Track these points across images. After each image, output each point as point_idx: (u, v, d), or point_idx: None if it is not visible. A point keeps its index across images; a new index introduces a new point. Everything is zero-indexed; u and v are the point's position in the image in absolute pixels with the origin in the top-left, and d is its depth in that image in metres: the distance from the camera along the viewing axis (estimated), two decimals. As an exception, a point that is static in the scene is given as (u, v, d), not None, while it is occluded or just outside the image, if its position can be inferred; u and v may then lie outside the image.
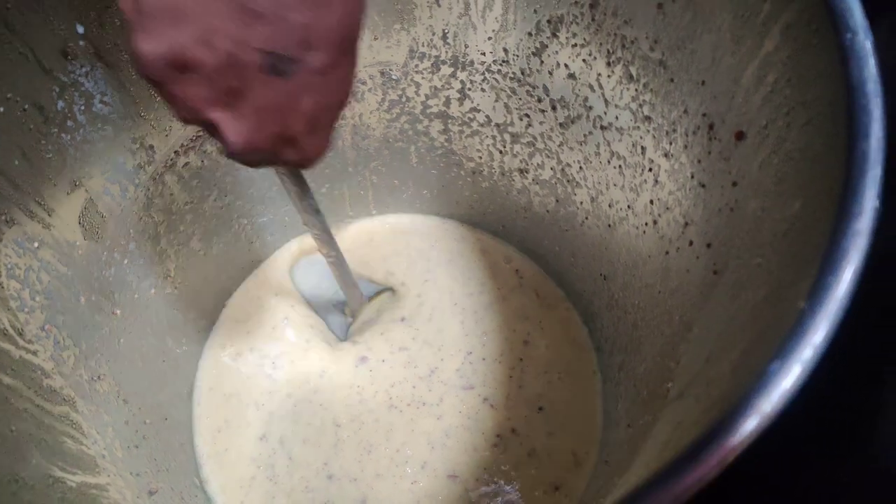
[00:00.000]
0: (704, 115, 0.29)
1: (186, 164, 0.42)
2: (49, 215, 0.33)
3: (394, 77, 0.45)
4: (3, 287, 0.30)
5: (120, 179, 0.37)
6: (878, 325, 0.34)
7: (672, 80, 0.31)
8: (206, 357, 0.50)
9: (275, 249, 0.55)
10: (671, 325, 0.35)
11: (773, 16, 0.24)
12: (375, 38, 0.42)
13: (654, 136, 0.34)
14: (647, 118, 0.34)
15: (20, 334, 0.31)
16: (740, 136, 0.27)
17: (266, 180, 0.49)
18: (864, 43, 0.19)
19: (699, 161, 0.31)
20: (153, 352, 0.43)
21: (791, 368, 0.17)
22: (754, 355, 0.19)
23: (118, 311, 0.39)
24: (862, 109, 0.19)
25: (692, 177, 0.31)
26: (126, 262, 0.40)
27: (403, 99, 0.47)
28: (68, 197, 0.34)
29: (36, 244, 0.33)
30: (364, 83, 0.45)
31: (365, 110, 0.47)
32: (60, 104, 0.32)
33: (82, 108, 0.34)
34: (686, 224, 0.33)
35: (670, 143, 0.33)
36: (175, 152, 0.41)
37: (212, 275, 0.49)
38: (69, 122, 0.33)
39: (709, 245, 0.30)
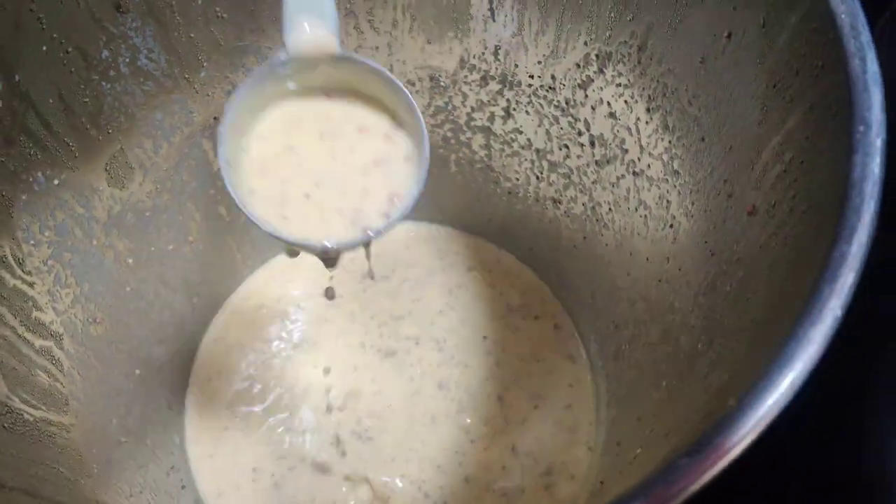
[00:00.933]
0: (726, 181, 0.28)
1: (224, 132, 0.43)
2: (76, 156, 0.35)
3: (442, 83, 0.45)
4: (12, 217, 0.31)
5: (154, 135, 0.39)
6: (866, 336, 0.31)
7: (703, 140, 0.30)
8: (223, 311, 0.51)
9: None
10: (659, 390, 0.33)
11: (801, 93, 0.22)
12: (429, 42, 0.42)
13: (679, 192, 0.33)
14: (676, 172, 0.33)
15: (20, 264, 0.32)
16: (752, 211, 0.25)
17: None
18: (875, 140, 0.18)
19: (714, 227, 0.29)
20: (160, 305, 0.45)
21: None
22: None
23: (131, 261, 0.41)
24: (853, 210, 0.17)
25: (706, 242, 0.30)
26: (148, 214, 0.41)
27: (449, 107, 0.46)
28: (98, 143, 0.36)
29: (56, 182, 0.34)
30: (413, 84, 0.45)
31: (410, 111, 0.47)
32: (105, 53, 0.33)
33: (127, 60, 0.35)
34: (696, 294, 0.31)
35: (692, 203, 0.31)
36: (214, 118, 0.42)
37: (234, 245, 0.50)
38: (111, 72, 0.34)
39: (704, 318, 0.29)
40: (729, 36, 0.27)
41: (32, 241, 0.33)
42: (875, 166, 0.18)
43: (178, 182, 0.42)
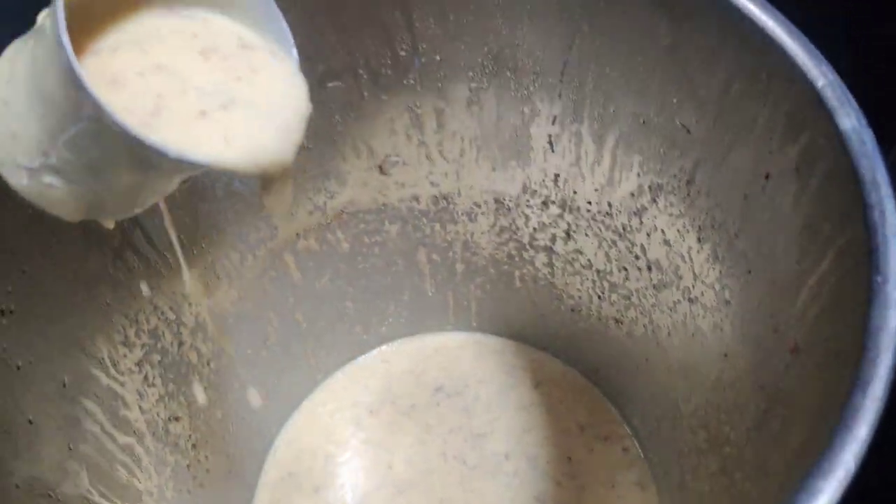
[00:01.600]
0: (772, 315, 0.28)
1: (306, 246, 0.47)
2: (172, 267, 0.39)
3: (506, 206, 0.47)
4: (112, 322, 0.35)
5: (241, 248, 0.43)
6: None
7: (750, 272, 0.30)
8: (298, 414, 0.53)
9: (382, 342, 0.58)
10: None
11: (831, 237, 0.23)
12: (494, 170, 0.45)
13: (731, 323, 0.33)
14: (728, 302, 0.33)
15: (114, 365, 0.36)
16: (795, 349, 0.25)
17: (382, 275, 0.52)
18: (892, 292, 0.18)
19: (762, 361, 0.29)
20: (236, 406, 0.47)
21: None
22: None
23: (212, 364, 0.44)
24: (869, 361, 0.17)
25: (756, 376, 0.30)
26: (230, 321, 0.44)
27: (513, 227, 0.49)
28: (192, 256, 0.40)
29: (154, 290, 0.38)
30: (479, 206, 0.48)
31: (477, 230, 0.50)
32: (205, 181, 0.38)
33: (223, 184, 0.40)
34: (748, 429, 0.31)
35: (743, 335, 0.31)
36: (297, 234, 0.46)
37: (310, 349, 0.53)
38: (209, 195, 0.39)
39: (756, 454, 0.28)
40: (767, 177, 0.28)
41: (127, 345, 0.36)
42: (892, 318, 0.18)
43: (260, 291, 0.46)
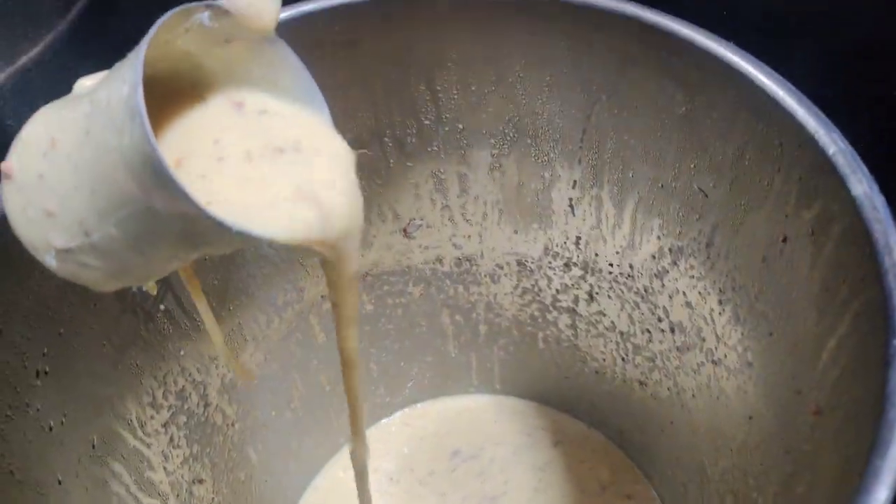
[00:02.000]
0: (794, 377, 0.28)
1: (330, 308, 0.48)
2: (201, 329, 0.40)
3: (529, 268, 0.48)
4: (142, 384, 0.36)
5: (268, 311, 0.44)
6: None
7: (771, 334, 0.30)
8: (320, 479, 0.53)
9: (405, 405, 0.58)
10: None
11: (848, 300, 0.23)
12: (516, 232, 0.46)
13: (755, 385, 0.33)
14: (750, 364, 0.33)
15: (142, 426, 0.36)
16: (818, 412, 0.25)
17: (405, 337, 0.53)
18: (906, 355, 0.18)
19: (786, 424, 0.29)
20: (259, 469, 0.48)
21: None
22: None
23: (237, 426, 0.44)
24: (887, 425, 0.17)
25: (781, 439, 0.29)
26: (255, 382, 0.45)
27: (536, 289, 0.49)
28: (221, 318, 0.41)
29: (182, 352, 0.39)
30: (501, 268, 0.49)
31: (500, 291, 0.51)
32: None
33: (252, 250, 0.41)
34: (775, 494, 0.30)
35: (766, 396, 0.31)
36: (321, 296, 0.47)
37: (333, 412, 0.53)
38: (239, 260, 0.40)
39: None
40: (785, 240, 0.28)
41: (155, 406, 0.37)
42: (907, 383, 0.18)
43: (286, 353, 0.46)
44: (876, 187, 0.22)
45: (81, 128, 0.21)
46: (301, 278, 0.45)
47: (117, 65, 0.21)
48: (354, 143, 0.41)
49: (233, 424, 0.44)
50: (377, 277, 0.48)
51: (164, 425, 0.38)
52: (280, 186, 0.23)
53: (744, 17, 0.34)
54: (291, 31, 0.34)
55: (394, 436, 0.56)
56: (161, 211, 0.20)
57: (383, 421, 0.57)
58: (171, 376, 0.38)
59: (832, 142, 0.24)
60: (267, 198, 0.23)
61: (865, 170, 0.23)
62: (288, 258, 0.43)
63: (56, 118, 0.22)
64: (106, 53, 0.24)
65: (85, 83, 0.23)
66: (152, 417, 0.37)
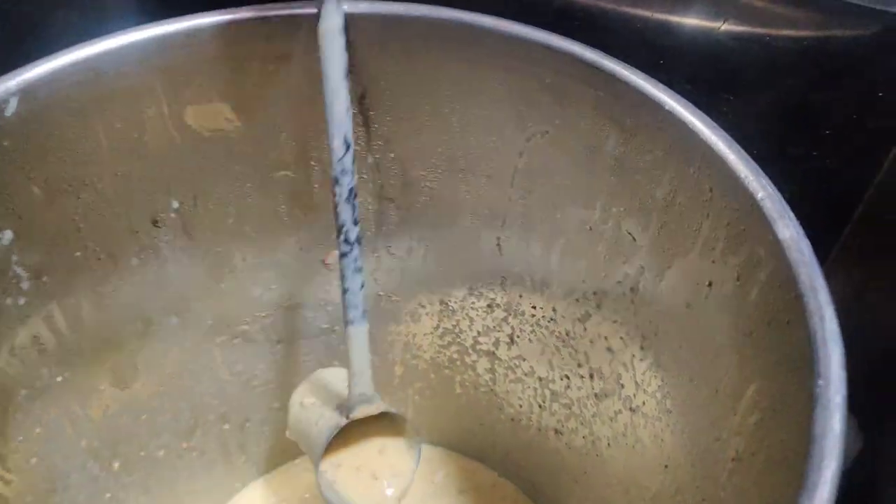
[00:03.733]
0: (713, 423, 0.28)
1: (236, 340, 0.45)
2: (85, 355, 0.36)
3: (451, 307, 0.47)
4: (7, 411, 0.32)
5: (166, 339, 0.40)
6: None
7: (692, 380, 0.30)
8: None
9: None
10: None
11: (772, 344, 0.23)
12: (440, 268, 0.45)
13: (672, 432, 0.32)
14: (669, 411, 0.33)
15: (2, 460, 0.32)
16: (735, 457, 0.25)
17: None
18: (834, 396, 0.18)
19: (703, 471, 0.28)
20: (143, 511, 0.43)
21: None
22: None
23: (116, 465, 0.40)
24: (814, 467, 0.17)
25: (697, 487, 0.29)
26: (144, 417, 0.41)
27: (456, 330, 0.48)
28: (110, 344, 0.37)
29: (59, 378, 0.35)
30: (423, 307, 0.47)
31: (419, 331, 0.49)
32: (135, 261, 0.36)
33: (154, 268, 0.38)
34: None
35: (684, 444, 0.31)
36: (227, 326, 0.43)
37: (233, 453, 0.49)
38: (137, 278, 0.37)
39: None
40: (710, 285, 0.28)
41: (21, 438, 0.33)
42: (835, 423, 0.18)
43: (182, 387, 0.43)
44: (802, 231, 0.23)
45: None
46: (208, 305, 0.42)
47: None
48: (277, 164, 0.39)
49: (111, 464, 0.40)
50: (291, 310, 0.46)
51: (30, 460, 0.34)
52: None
53: (678, 69, 0.35)
54: (218, 38, 0.33)
55: (299, 479, 0.52)
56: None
57: (285, 466, 0.53)
58: (44, 405, 0.34)
59: (761, 187, 0.24)
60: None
61: (792, 215, 0.24)
62: (194, 283, 0.40)
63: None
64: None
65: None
66: (16, 451, 0.33)
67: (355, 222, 0.34)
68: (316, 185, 0.40)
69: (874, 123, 0.31)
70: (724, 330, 0.27)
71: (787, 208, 0.24)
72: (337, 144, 0.32)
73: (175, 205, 0.36)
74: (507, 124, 0.36)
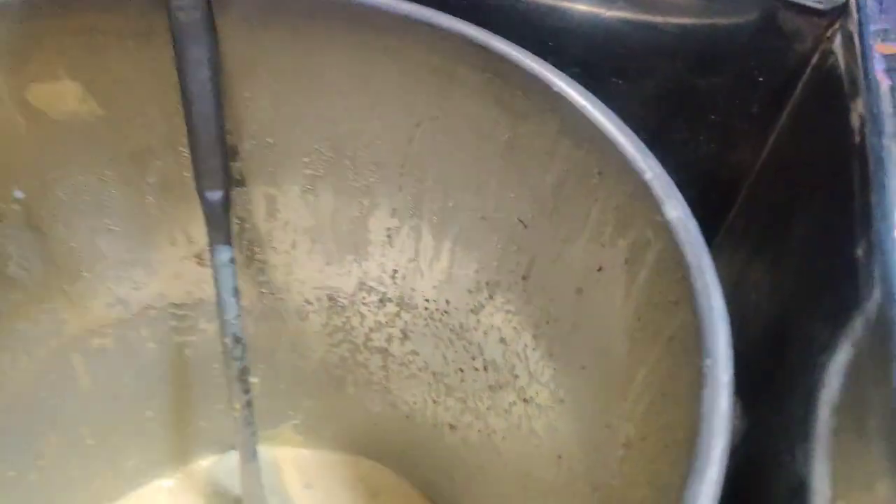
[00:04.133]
0: (603, 411, 0.27)
1: (101, 346, 0.40)
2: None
3: (340, 304, 0.44)
4: None
5: (14, 347, 0.36)
6: None
7: (584, 368, 0.30)
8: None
9: (188, 461, 0.51)
10: None
11: (661, 327, 0.23)
12: (328, 264, 0.43)
13: (565, 421, 0.32)
14: (562, 400, 0.32)
15: None
16: (627, 443, 0.24)
17: (194, 382, 0.46)
18: (721, 375, 0.18)
19: (595, 460, 0.28)
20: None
21: None
22: None
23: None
24: (703, 447, 0.16)
25: (588, 476, 0.28)
26: (-8, 434, 0.36)
27: (347, 327, 0.46)
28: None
29: None
30: (311, 304, 0.45)
31: (307, 330, 0.46)
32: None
33: (-1, 268, 0.33)
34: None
35: (576, 433, 0.30)
36: (89, 331, 0.39)
37: (96, 470, 0.45)
38: (-23, 280, 0.33)
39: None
40: (600, 269, 0.28)
41: None
42: (722, 401, 0.17)
43: (35, 400, 0.38)
44: (689, 212, 0.23)
45: None
46: (62, 308, 0.37)
47: None
48: (142, 151, 0.35)
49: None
50: (162, 311, 0.42)
51: None
52: None
53: (567, 53, 0.34)
54: (62, 8, 0.29)
55: (169, 498, 0.48)
56: None
57: (156, 482, 0.49)
58: None
59: (649, 167, 0.24)
60: None
61: (680, 196, 0.23)
62: (44, 283, 0.36)
63: None
64: None
65: None
66: None
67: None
68: (186, 174, 0.37)
69: (756, 108, 0.32)
70: (614, 314, 0.27)
71: (675, 189, 0.23)
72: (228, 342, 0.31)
73: (19, 195, 0.32)
74: (396, 109, 0.34)
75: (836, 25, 0.27)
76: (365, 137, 0.36)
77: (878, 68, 0.22)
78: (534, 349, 0.34)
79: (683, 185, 0.25)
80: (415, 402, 0.47)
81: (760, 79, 0.31)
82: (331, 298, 0.44)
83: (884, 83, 0.22)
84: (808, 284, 0.24)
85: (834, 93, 0.26)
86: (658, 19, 0.33)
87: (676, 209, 0.23)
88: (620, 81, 0.34)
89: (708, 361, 0.18)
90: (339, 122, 0.35)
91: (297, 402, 0.51)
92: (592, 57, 0.35)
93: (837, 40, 0.27)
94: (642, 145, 0.25)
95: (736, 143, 0.33)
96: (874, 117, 0.20)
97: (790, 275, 0.26)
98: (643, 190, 0.24)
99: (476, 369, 0.41)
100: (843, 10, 0.27)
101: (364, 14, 0.31)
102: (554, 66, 0.29)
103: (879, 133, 0.19)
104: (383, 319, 0.44)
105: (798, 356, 0.22)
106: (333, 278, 0.43)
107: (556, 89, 0.28)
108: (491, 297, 0.37)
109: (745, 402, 0.25)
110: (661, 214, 0.23)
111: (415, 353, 0.45)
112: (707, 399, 0.17)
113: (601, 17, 0.35)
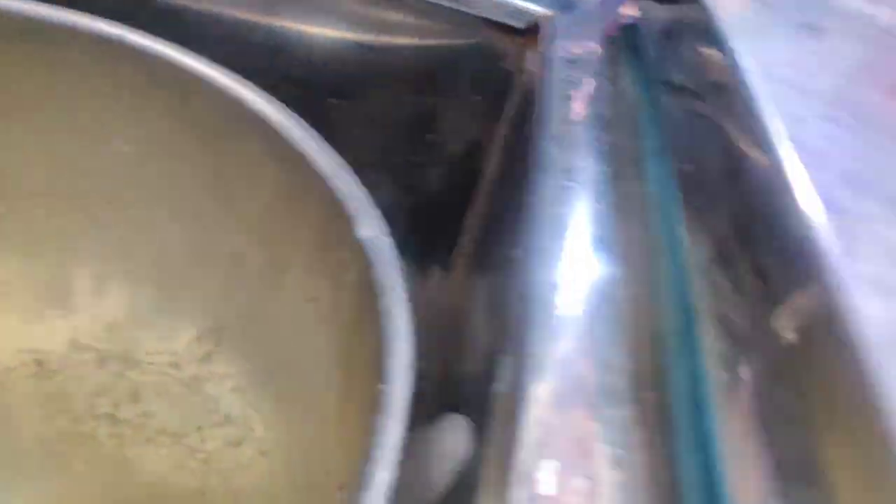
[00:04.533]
0: (323, 457, 0.25)
1: None
2: None
3: (51, 368, 0.38)
4: None
5: None
6: None
7: (307, 412, 0.27)
8: None
9: None
10: None
11: (366, 356, 0.21)
12: (27, 323, 0.36)
13: (290, 473, 0.29)
14: (295, 449, 0.29)
15: None
16: (342, 488, 0.22)
17: None
18: (398, 399, 0.16)
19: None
20: None
21: None
22: None
23: None
24: (367, 477, 0.14)
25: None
26: None
27: (63, 394, 0.39)
28: None
29: None
30: (13, 370, 0.38)
31: (12, 403, 0.39)
32: None
33: None
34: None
35: (307, 487, 0.28)
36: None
37: None
38: None
39: None
40: (314, 300, 0.26)
41: None
42: (396, 427, 0.16)
43: None
44: (384, 230, 0.21)
45: None
46: None
47: None
48: None
49: None
50: None
51: None
52: None
53: (289, 74, 0.32)
54: None
55: None
56: None
57: None
58: None
59: (344, 185, 0.22)
60: None
61: (377, 214, 0.22)
62: None
63: None
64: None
65: None
66: None
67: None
68: None
69: (473, 128, 0.32)
70: (327, 347, 0.25)
71: (371, 207, 0.22)
72: None
73: None
74: (85, 133, 0.30)
75: (533, 43, 0.28)
76: (53, 168, 0.31)
77: (558, 79, 0.23)
78: (264, 398, 0.31)
79: (413, 208, 0.24)
80: (155, 470, 0.41)
81: (477, 98, 0.32)
82: (38, 363, 0.38)
83: (562, 96, 0.22)
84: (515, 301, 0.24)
85: (531, 109, 0.26)
86: (376, 39, 0.32)
87: (370, 227, 0.21)
88: (345, 103, 0.33)
89: (384, 385, 0.17)
90: (13, 149, 0.30)
91: (16, 489, 0.43)
92: (315, 78, 0.33)
93: (532, 57, 0.27)
94: (343, 163, 0.23)
95: (456, 163, 0.33)
96: (543, 123, 0.20)
97: (503, 293, 0.26)
98: (339, 209, 0.22)
99: (215, 425, 0.37)
100: (536, 29, 0.28)
101: (48, 29, 0.27)
102: (274, 86, 0.27)
103: (545, 138, 0.20)
104: (106, 381, 0.38)
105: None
106: (36, 339, 0.37)
107: (254, 109, 0.25)
108: (218, 342, 0.33)
109: (473, 420, 0.24)
110: (356, 234, 0.21)
111: (147, 415, 0.39)
112: (379, 426, 0.16)
113: (326, 38, 0.34)
